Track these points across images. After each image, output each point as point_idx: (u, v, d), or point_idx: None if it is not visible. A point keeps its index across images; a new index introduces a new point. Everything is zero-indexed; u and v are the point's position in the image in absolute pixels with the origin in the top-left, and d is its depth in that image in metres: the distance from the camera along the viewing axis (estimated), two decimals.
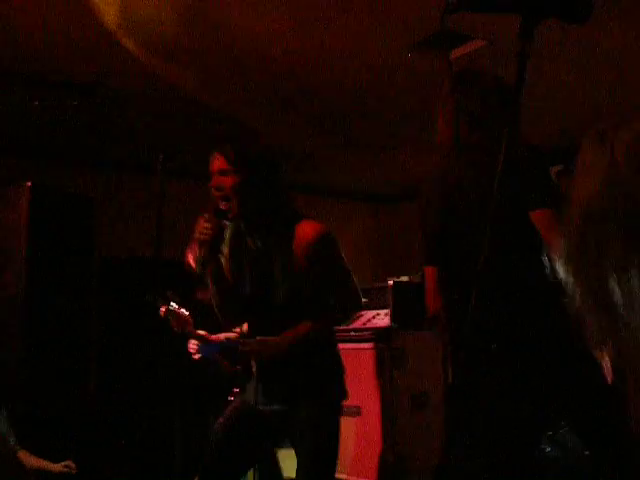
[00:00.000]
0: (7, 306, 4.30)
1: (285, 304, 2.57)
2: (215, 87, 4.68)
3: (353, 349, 4.75)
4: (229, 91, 4.76)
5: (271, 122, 5.32)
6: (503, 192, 1.33)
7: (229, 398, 3.70)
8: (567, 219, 1.01)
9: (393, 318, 4.84)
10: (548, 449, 3.26)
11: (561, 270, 1.02)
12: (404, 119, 5.12)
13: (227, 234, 2.71)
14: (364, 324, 4.89)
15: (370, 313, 4.93)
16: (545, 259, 2.42)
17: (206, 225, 2.56)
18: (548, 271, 2.41)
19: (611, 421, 2.41)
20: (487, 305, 1.42)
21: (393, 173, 6.63)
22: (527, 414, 2.40)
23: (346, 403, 2.67)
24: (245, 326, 2.96)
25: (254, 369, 2.69)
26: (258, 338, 2.60)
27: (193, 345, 3.83)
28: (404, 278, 5.07)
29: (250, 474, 3.46)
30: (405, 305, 4.85)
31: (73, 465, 3.83)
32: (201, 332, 3.79)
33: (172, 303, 3.66)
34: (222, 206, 2.56)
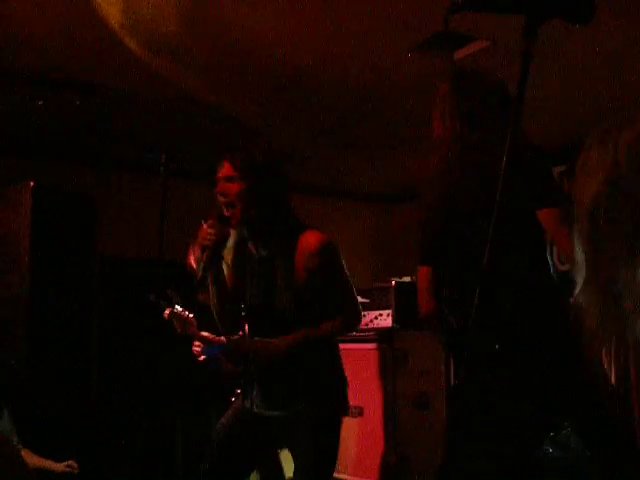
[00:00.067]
0: (11, 306, 4.30)
1: (286, 312, 2.58)
2: (216, 87, 4.68)
3: (355, 349, 4.75)
4: (230, 91, 4.75)
5: (272, 122, 5.32)
6: (506, 192, 1.33)
7: (231, 399, 3.71)
8: (575, 219, 1.02)
9: (395, 319, 4.84)
10: (550, 449, 3.26)
11: (570, 268, 1.02)
12: (405, 119, 5.11)
13: (231, 241, 2.72)
14: (366, 324, 4.89)
15: (372, 314, 4.93)
16: (549, 258, 2.42)
17: (209, 231, 2.58)
18: (552, 270, 2.41)
19: (612, 421, 2.41)
20: (490, 305, 1.41)
21: (394, 173, 6.62)
22: (529, 414, 2.40)
23: None
24: (246, 327, 2.97)
25: (254, 373, 2.69)
26: (258, 339, 2.60)
27: (197, 346, 3.86)
28: (406, 279, 5.07)
29: (253, 475, 3.47)
30: (407, 306, 4.85)
31: (75, 465, 3.84)
32: (205, 334, 3.82)
33: (177, 306, 3.70)
34: (226, 212, 2.58)
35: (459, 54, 4.02)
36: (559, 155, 2.65)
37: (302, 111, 5.14)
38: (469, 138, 2.49)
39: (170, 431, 4.59)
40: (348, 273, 2.66)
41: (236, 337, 2.68)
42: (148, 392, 4.99)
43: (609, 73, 4.39)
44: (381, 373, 4.82)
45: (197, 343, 3.86)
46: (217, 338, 3.83)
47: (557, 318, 2.33)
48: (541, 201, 2.35)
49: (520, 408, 2.38)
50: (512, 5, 1.40)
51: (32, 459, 3.64)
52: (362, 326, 4.95)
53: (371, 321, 4.94)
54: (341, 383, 2.70)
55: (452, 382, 4.39)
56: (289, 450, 2.67)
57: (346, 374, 2.75)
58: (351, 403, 2.74)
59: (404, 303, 4.88)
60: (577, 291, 1.01)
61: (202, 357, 3.86)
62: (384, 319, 4.90)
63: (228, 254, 2.74)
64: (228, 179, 2.56)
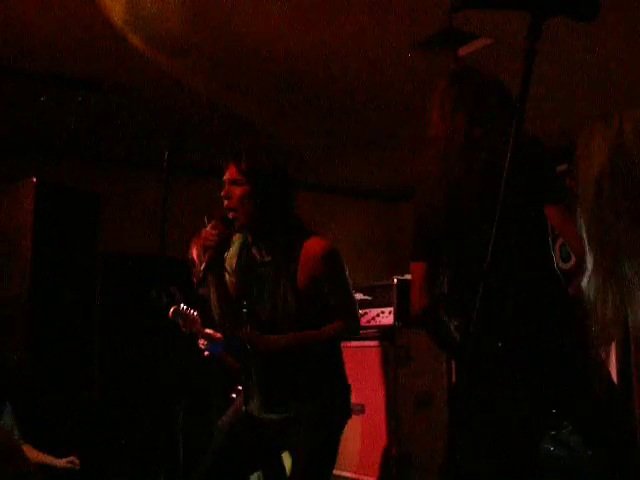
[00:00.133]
0: (12, 304, 4.30)
1: (289, 317, 2.59)
2: (218, 84, 4.68)
3: (357, 347, 4.75)
4: (232, 89, 4.76)
5: (272, 120, 5.32)
6: (510, 189, 1.33)
7: (232, 395, 3.73)
8: (581, 199, 1.01)
9: (397, 316, 4.84)
10: (551, 448, 3.26)
11: (577, 261, 1.02)
12: (406, 118, 5.11)
13: (235, 245, 2.74)
14: (368, 322, 4.89)
15: (374, 311, 4.92)
16: (553, 255, 2.41)
17: (212, 232, 2.58)
18: (556, 267, 2.41)
19: (614, 421, 2.41)
20: (492, 304, 1.41)
21: (396, 171, 6.62)
22: (530, 413, 2.40)
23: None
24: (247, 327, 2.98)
25: (253, 374, 2.70)
26: (258, 333, 2.62)
27: (202, 343, 3.91)
28: (408, 276, 5.06)
29: (256, 475, 3.48)
30: (409, 303, 4.84)
31: (77, 461, 3.85)
32: (208, 331, 3.85)
33: (181, 305, 3.73)
34: (230, 215, 2.58)
35: (462, 51, 4.01)
36: (559, 155, 2.64)
37: (303, 110, 5.14)
38: (470, 135, 2.49)
39: (172, 429, 4.60)
40: (349, 277, 2.68)
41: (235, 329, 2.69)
42: (149, 389, 5.00)
43: (610, 73, 4.38)
44: (383, 371, 4.82)
45: (202, 340, 3.90)
46: (220, 334, 3.86)
47: (561, 317, 2.33)
48: (549, 197, 2.34)
49: (522, 407, 2.37)
50: (516, 2, 1.39)
51: (33, 454, 3.65)
52: (364, 324, 4.96)
53: (373, 319, 4.93)
54: (342, 388, 2.70)
55: (454, 380, 4.39)
56: (289, 453, 2.68)
57: (348, 372, 2.75)
58: (353, 400, 2.74)
59: (406, 301, 4.86)
60: (584, 282, 1.01)
61: (206, 353, 3.90)
62: (386, 317, 4.89)
63: (232, 259, 2.75)
64: (233, 182, 2.58)
